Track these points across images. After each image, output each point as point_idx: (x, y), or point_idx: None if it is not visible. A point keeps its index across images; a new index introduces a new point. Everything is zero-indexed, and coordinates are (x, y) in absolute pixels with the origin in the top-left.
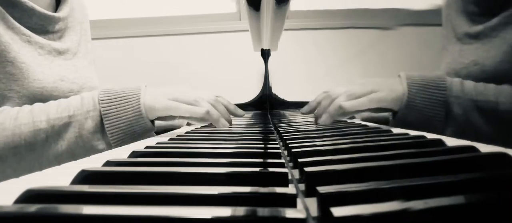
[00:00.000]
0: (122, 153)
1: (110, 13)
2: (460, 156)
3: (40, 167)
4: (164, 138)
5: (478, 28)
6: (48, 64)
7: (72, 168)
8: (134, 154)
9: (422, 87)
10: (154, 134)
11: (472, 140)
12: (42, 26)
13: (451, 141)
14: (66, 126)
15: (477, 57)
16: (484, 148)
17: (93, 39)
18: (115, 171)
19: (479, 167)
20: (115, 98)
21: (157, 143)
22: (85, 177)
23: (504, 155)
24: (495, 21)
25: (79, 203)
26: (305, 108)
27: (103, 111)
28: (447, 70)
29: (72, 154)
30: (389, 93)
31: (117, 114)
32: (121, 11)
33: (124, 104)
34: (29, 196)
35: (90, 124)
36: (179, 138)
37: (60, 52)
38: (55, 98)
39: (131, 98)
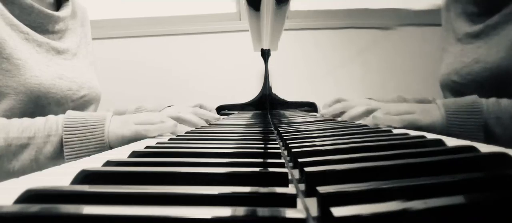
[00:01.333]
0: (122, 153)
1: (110, 13)
2: (460, 156)
3: None
4: (164, 138)
5: (479, 27)
6: (46, 62)
7: (72, 168)
8: (134, 154)
9: (459, 113)
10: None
11: None
12: (41, 24)
13: (451, 141)
14: (23, 147)
15: (478, 55)
16: (484, 148)
17: (93, 39)
18: (115, 171)
19: (479, 167)
20: (79, 126)
21: (157, 143)
22: (85, 177)
23: (504, 155)
24: (495, 19)
25: (79, 203)
26: (330, 110)
27: (65, 138)
28: (448, 70)
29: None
30: (425, 117)
31: (79, 143)
32: (121, 11)
33: (88, 134)
34: (29, 196)
35: (49, 149)
36: (179, 138)
37: (59, 51)
38: (53, 95)
39: (96, 127)
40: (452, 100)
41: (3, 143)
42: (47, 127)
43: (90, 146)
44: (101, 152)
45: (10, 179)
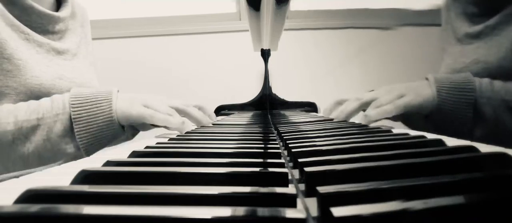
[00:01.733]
0: (122, 153)
1: (110, 13)
2: (460, 156)
3: (5, 168)
4: (164, 138)
5: (479, 27)
6: (47, 62)
7: (72, 168)
8: (134, 154)
9: (451, 89)
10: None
11: (502, 141)
12: (42, 25)
13: (451, 141)
14: (34, 128)
15: (478, 55)
16: (484, 148)
17: (93, 39)
18: (115, 171)
19: (479, 167)
20: (86, 102)
21: (157, 143)
22: (85, 177)
23: (504, 155)
24: (496, 19)
25: (79, 203)
26: (327, 112)
27: (74, 115)
28: (448, 71)
29: (39, 157)
30: (415, 98)
31: (87, 119)
32: (121, 11)
33: (95, 109)
34: (29, 196)
35: (59, 127)
36: (179, 138)
37: (59, 52)
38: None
39: (103, 102)
40: (445, 76)
41: (14, 127)
42: (54, 106)
43: (99, 121)
44: (111, 127)
45: (25, 164)
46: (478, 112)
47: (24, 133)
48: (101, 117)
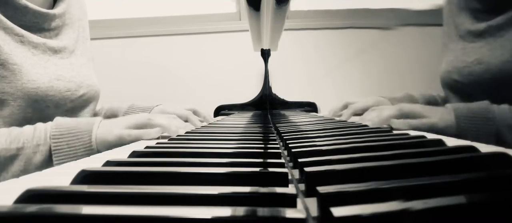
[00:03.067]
0: (122, 153)
1: (110, 13)
2: (460, 156)
3: None
4: (163, 138)
5: (482, 26)
6: (43, 63)
7: (72, 168)
8: (134, 154)
9: (469, 119)
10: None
11: None
12: (37, 23)
13: (451, 141)
14: (12, 158)
15: (481, 55)
16: (484, 148)
17: (93, 39)
18: (115, 171)
19: (479, 167)
20: (67, 134)
21: (157, 143)
22: (85, 177)
23: (504, 155)
24: (500, 20)
25: (79, 203)
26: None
27: (54, 146)
28: (449, 68)
29: None
30: (440, 122)
31: (68, 151)
32: (121, 11)
33: (76, 141)
34: (29, 196)
35: (38, 158)
36: (179, 138)
37: (56, 51)
38: (51, 97)
39: (83, 134)
40: (463, 105)
41: None
42: (35, 136)
43: (79, 153)
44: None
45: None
46: (501, 140)
47: (2, 162)
48: (81, 150)
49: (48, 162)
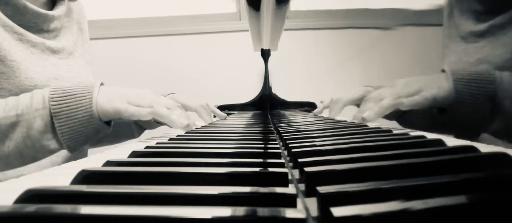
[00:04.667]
0: (122, 153)
1: (110, 13)
2: (460, 156)
3: None
4: (164, 138)
5: (483, 26)
6: (41, 62)
7: (72, 168)
8: (134, 154)
9: (469, 82)
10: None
11: None
12: (36, 24)
13: (451, 141)
14: (13, 125)
15: (483, 55)
16: (484, 148)
17: (93, 39)
18: (115, 171)
19: (479, 167)
20: (66, 96)
21: (157, 143)
22: (85, 177)
23: (504, 155)
24: (501, 19)
25: (79, 203)
26: (319, 110)
27: (53, 109)
28: (451, 69)
29: (20, 155)
30: (439, 91)
31: (68, 113)
32: (121, 11)
33: (76, 103)
34: (29, 196)
35: (39, 123)
36: (179, 138)
37: (54, 51)
38: None
39: (83, 97)
40: (463, 69)
41: None
42: (34, 101)
43: (79, 116)
44: (91, 122)
45: (6, 162)
46: (497, 105)
47: (3, 131)
48: (81, 112)
49: (49, 126)
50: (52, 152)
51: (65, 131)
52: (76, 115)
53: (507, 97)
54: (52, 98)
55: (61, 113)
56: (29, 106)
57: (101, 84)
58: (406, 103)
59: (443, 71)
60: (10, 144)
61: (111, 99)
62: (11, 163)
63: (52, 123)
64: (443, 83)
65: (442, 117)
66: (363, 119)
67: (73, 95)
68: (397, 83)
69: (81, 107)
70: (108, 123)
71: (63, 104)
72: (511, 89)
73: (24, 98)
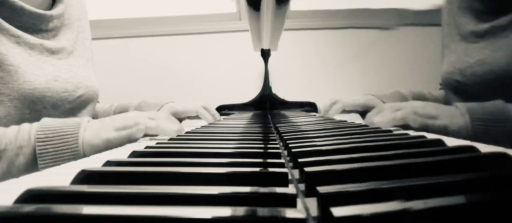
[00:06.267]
0: (122, 153)
1: (110, 13)
2: (460, 156)
3: None
4: (164, 138)
5: (485, 26)
6: (40, 64)
7: (72, 168)
8: (134, 154)
9: (485, 121)
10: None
11: None
12: (34, 25)
13: (451, 141)
14: None
15: (484, 56)
16: (484, 148)
17: (93, 39)
18: (115, 171)
19: (479, 167)
20: (53, 136)
21: (157, 143)
22: (85, 177)
23: (504, 155)
24: (503, 21)
25: (79, 203)
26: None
27: (39, 150)
28: (451, 69)
29: None
30: (450, 125)
31: (54, 155)
32: (121, 11)
33: (62, 144)
34: (29, 196)
35: (21, 161)
36: (179, 138)
37: (53, 52)
38: (48, 98)
39: (69, 137)
40: (478, 106)
41: None
42: (19, 138)
43: (65, 157)
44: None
45: None
46: None
47: None
48: (67, 153)
49: (31, 164)
50: None
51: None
52: (62, 156)
53: None
54: (38, 138)
55: (47, 154)
56: (13, 142)
57: (88, 121)
58: (418, 122)
59: (456, 106)
60: None
61: (97, 133)
62: None
63: (35, 162)
64: (457, 118)
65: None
66: (373, 122)
67: (60, 135)
68: (415, 103)
69: (67, 149)
70: None
71: (49, 145)
72: None
73: (10, 131)
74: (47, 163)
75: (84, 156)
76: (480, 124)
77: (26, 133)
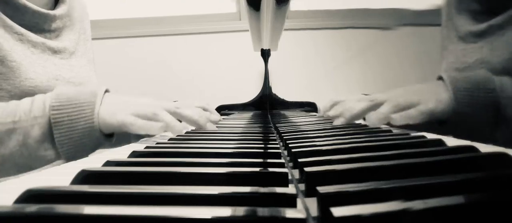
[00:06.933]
0: (122, 153)
1: (110, 13)
2: (460, 156)
3: None
4: (164, 138)
5: (482, 26)
6: (42, 62)
7: (72, 168)
8: (134, 154)
9: (469, 91)
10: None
11: None
12: (37, 24)
13: (451, 141)
14: (9, 132)
15: (482, 56)
16: (484, 148)
17: (93, 39)
18: (115, 171)
19: (479, 167)
20: (68, 105)
21: (157, 143)
22: (85, 177)
23: (504, 155)
24: (500, 20)
25: (79, 203)
26: (327, 113)
27: (53, 119)
28: (450, 70)
29: (15, 164)
30: (437, 104)
31: (69, 124)
32: (121, 11)
33: (77, 113)
34: (29, 196)
35: (37, 132)
36: (179, 138)
37: (55, 51)
38: None
39: (85, 107)
40: (461, 77)
41: None
42: (33, 108)
43: (80, 127)
44: (92, 134)
45: (0, 167)
46: (500, 114)
47: None
48: (82, 123)
49: (47, 135)
50: (49, 162)
51: (64, 142)
52: (77, 126)
53: (509, 105)
54: (53, 106)
55: (62, 123)
56: (27, 113)
57: (106, 91)
58: (399, 119)
59: (440, 78)
60: (5, 151)
61: (114, 112)
62: (5, 171)
63: (51, 133)
64: (442, 94)
65: (443, 128)
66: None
67: (75, 104)
68: (395, 92)
69: (82, 118)
70: (110, 135)
71: (64, 113)
72: None
73: (24, 103)
74: (62, 132)
75: (99, 130)
76: (465, 94)
77: (40, 103)
